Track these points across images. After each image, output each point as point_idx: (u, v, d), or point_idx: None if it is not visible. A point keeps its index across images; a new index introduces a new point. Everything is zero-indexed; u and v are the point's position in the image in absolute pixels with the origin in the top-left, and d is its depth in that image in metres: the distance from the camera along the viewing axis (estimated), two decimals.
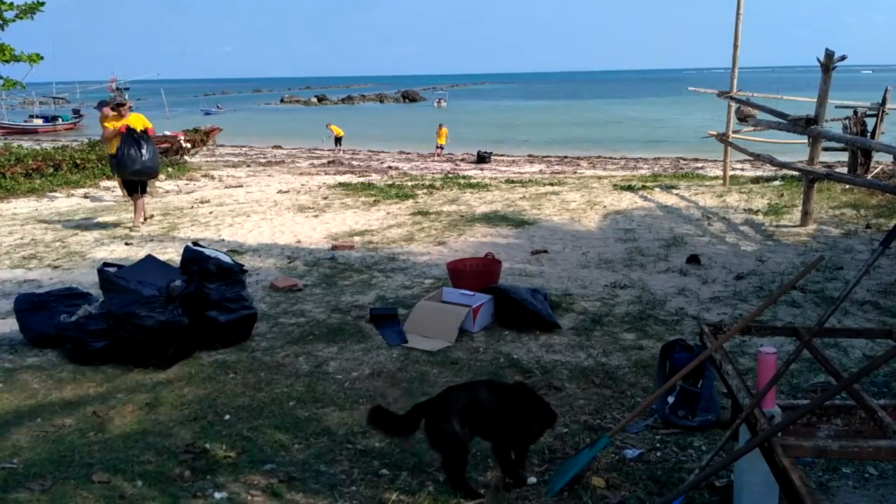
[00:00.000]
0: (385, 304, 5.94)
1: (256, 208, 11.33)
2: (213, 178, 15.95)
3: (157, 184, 13.62)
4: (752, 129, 11.61)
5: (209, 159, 21.12)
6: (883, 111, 11.29)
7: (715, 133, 12.54)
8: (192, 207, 11.61)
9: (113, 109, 9.56)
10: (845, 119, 11.20)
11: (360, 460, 3.49)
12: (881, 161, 11.66)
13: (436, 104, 64.21)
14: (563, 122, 41.19)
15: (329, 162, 20.76)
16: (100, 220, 10.53)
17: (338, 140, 25.25)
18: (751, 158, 12.75)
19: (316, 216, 10.42)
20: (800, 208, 9.03)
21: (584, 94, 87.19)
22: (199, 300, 4.96)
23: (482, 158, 20.78)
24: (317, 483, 3.30)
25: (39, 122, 41.06)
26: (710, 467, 2.65)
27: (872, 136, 10.97)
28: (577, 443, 3.60)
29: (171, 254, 7.84)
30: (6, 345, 5.25)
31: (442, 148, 23.46)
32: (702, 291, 6.20)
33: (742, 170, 15.62)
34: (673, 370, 3.76)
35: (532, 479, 3.27)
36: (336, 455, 3.55)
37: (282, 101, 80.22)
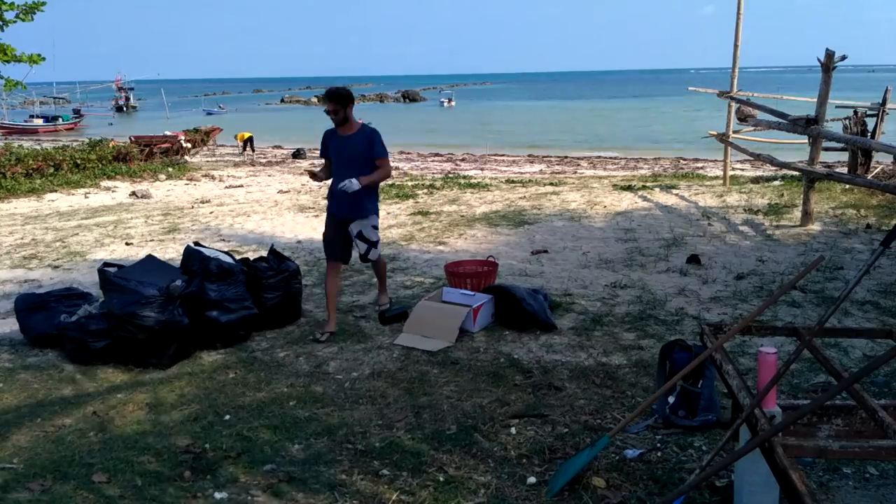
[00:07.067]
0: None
1: (257, 208, 11.34)
2: (213, 178, 15.96)
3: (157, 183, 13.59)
4: (752, 129, 11.60)
5: (209, 159, 21.14)
6: (883, 111, 11.28)
7: (715, 133, 12.53)
8: (193, 207, 11.62)
9: None
10: (845, 119, 11.19)
11: (360, 460, 3.49)
12: (881, 161, 11.65)
13: (445, 103, 63.34)
14: (564, 122, 41.16)
15: None
16: (100, 219, 10.53)
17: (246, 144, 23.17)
18: (751, 158, 12.74)
19: (317, 216, 10.42)
20: (800, 208, 9.02)
21: (589, 94, 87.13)
22: (199, 300, 4.96)
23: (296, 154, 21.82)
24: (317, 483, 3.29)
25: (40, 122, 41.13)
26: (711, 467, 2.65)
27: (873, 136, 10.96)
28: (578, 443, 3.60)
29: (172, 254, 7.85)
30: (6, 345, 5.26)
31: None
32: (702, 291, 6.20)
33: (742, 170, 15.61)
34: (673, 370, 3.75)
35: (532, 479, 3.27)
36: (336, 455, 3.55)
37: (282, 101, 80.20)
